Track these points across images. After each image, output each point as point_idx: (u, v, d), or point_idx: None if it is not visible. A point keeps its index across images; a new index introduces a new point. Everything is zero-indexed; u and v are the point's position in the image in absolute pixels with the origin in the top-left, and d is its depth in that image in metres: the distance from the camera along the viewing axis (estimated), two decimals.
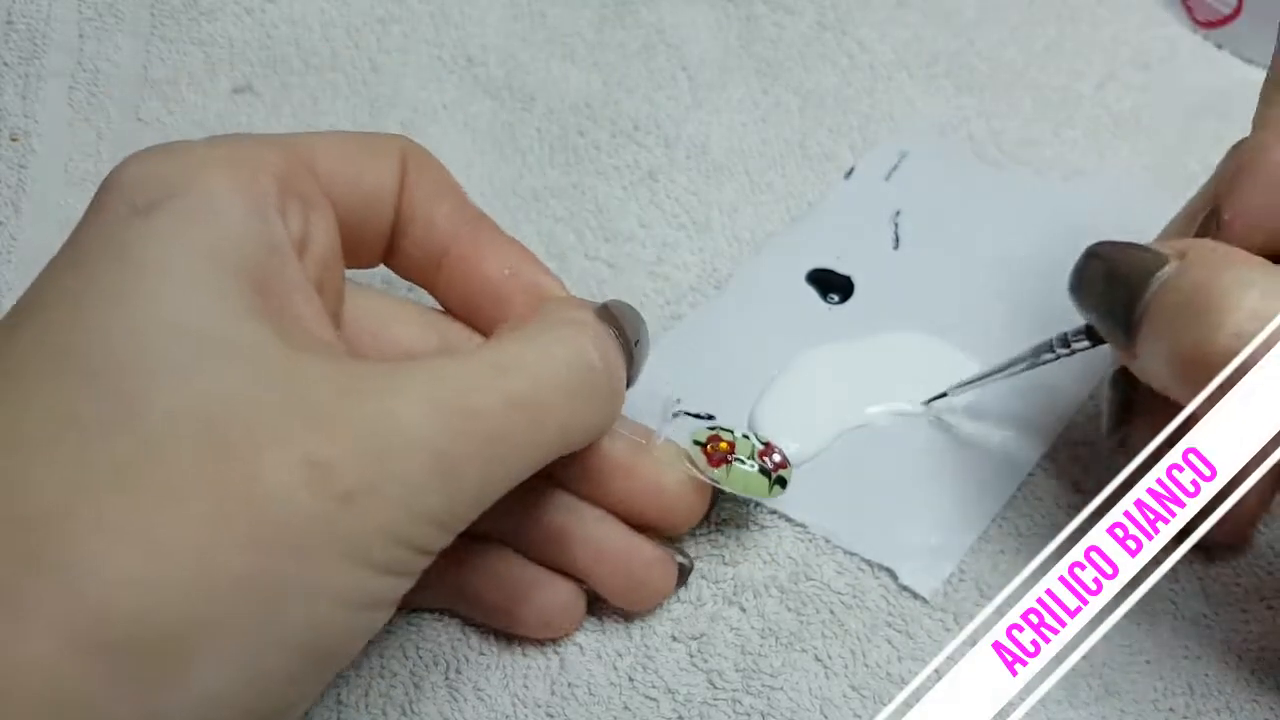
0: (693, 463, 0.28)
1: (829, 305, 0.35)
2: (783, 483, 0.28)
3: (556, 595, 0.28)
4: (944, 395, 0.31)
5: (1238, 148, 0.27)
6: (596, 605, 0.29)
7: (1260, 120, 0.26)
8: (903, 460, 0.32)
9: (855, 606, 0.29)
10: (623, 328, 0.26)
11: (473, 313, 0.27)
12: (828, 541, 0.30)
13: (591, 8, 0.43)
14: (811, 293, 0.35)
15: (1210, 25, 0.42)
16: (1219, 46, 0.42)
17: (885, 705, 0.27)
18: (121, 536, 0.18)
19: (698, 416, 0.32)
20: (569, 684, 0.28)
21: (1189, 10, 0.43)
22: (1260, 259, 0.23)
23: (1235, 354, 0.22)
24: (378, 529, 0.20)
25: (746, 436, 0.28)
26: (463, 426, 0.21)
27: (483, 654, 0.28)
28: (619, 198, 0.38)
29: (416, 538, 0.21)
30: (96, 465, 0.18)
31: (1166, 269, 0.24)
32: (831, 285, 0.36)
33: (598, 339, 0.24)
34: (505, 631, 0.28)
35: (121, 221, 0.20)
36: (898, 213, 0.37)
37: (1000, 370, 0.30)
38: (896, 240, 0.37)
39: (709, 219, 0.37)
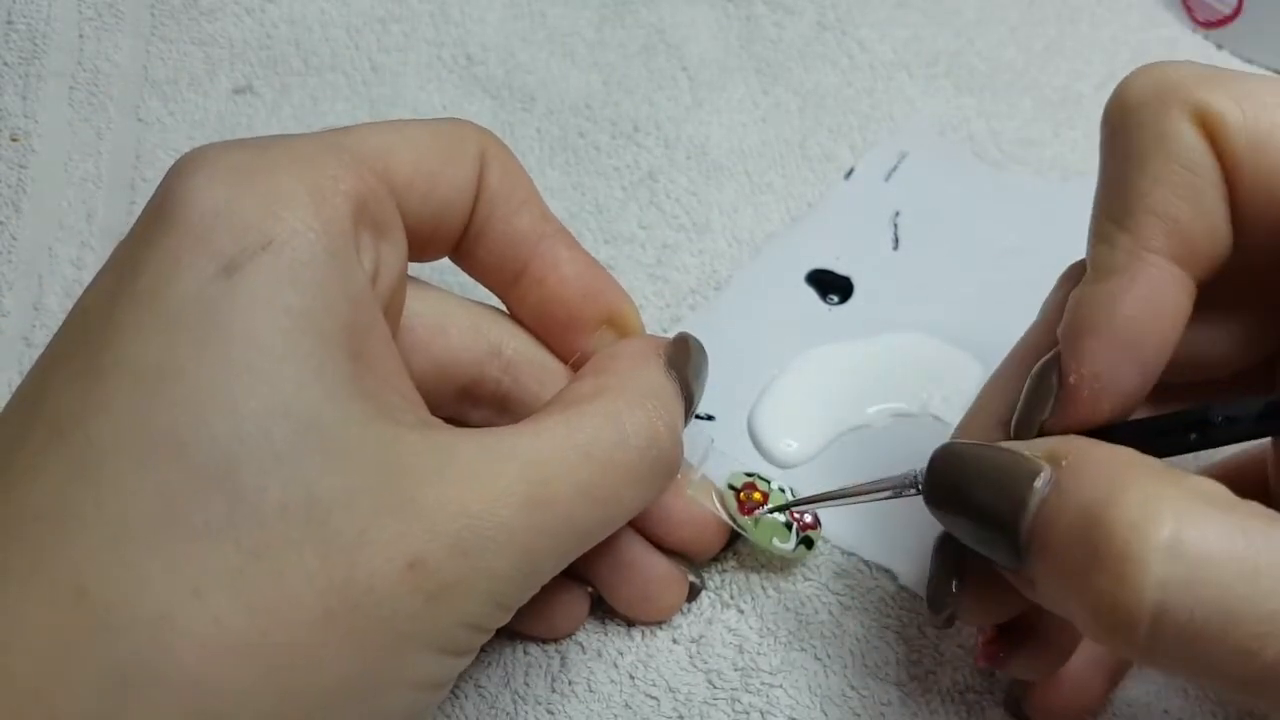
0: (723, 504, 0.28)
1: (829, 306, 0.35)
2: (809, 543, 0.28)
3: (563, 596, 0.28)
4: (792, 505, 0.28)
5: (1080, 299, 0.22)
6: (597, 606, 0.29)
7: (1101, 265, 0.21)
8: (902, 460, 0.32)
9: (854, 607, 0.29)
10: (688, 378, 0.25)
11: (543, 328, 0.27)
12: (826, 542, 0.30)
13: (591, 8, 0.43)
14: (811, 293, 0.35)
15: (1210, 25, 0.42)
16: (1219, 46, 0.42)
17: (885, 705, 0.28)
18: (239, 649, 0.18)
19: (697, 417, 0.32)
20: (569, 681, 0.28)
21: (1189, 10, 0.43)
22: (1147, 460, 0.19)
23: (1164, 605, 0.17)
24: (460, 620, 0.20)
25: (783, 490, 0.29)
26: (545, 522, 0.21)
27: (483, 651, 0.28)
28: (619, 198, 0.38)
29: (489, 622, 0.21)
30: (207, 568, 0.18)
31: (1041, 481, 0.20)
32: (831, 286, 0.36)
33: (669, 417, 0.24)
34: (508, 629, 0.28)
35: (208, 283, 0.19)
36: (897, 213, 0.37)
37: (858, 493, 0.26)
38: (896, 240, 0.37)
39: (709, 220, 0.37)
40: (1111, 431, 0.22)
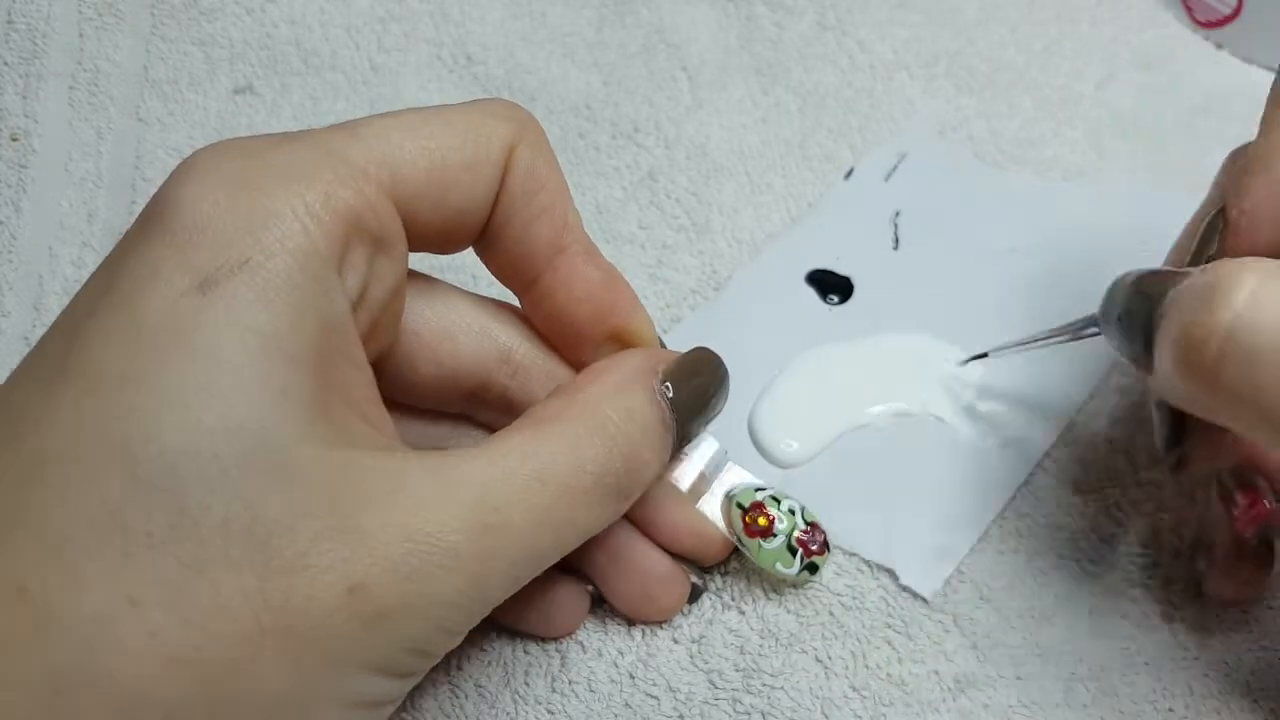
0: (730, 523, 0.28)
1: (829, 306, 0.35)
2: (812, 569, 0.28)
3: (563, 594, 0.28)
4: (984, 355, 0.30)
5: (1243, 150, 0.26)
6: (597, 605, 0.29)
7: (1266, 125, 0.25)
8: (903, 460, 0.32)
9: (855, 608, 0.29)
10: (684, 398, 0.25)
11: (553, 337, 0.27)
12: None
13: (591, 8, 0.43)
14: (811, 293, 0.35)
15: (1210, 25, 0.42)
16: (1219, 46, 0.42)
17: (886, 706, 0.28)
18: (172, 660, 0.18)
19: None
20: (569, 681, 0.28)
21: (1189, 10, 0.43)
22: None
23: (1233, 333, 0.20)
24: (403, 644, 0.20)
25: (793, 512, 0.28)
26: (496, 546, 0.21)
27: (484, 650, 0.28)
28: (619, 198, 0.38)
29: (433, 646, 0.21)
30: (145, 579, 0.18)
31: (1184, 281, 0.22)
32: (831, 286, 0.36)
33: (629, 446, 0.23)
34: (508, 628, 0.28)
35: (181, 297, 0.19)
36: (897, 213, 0.37)
37: (1042, 338, 0.29)
38: (896, 241, 0.37)
39: (709, 220, 0.37)
40: None
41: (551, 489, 0.22)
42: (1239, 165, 0.25)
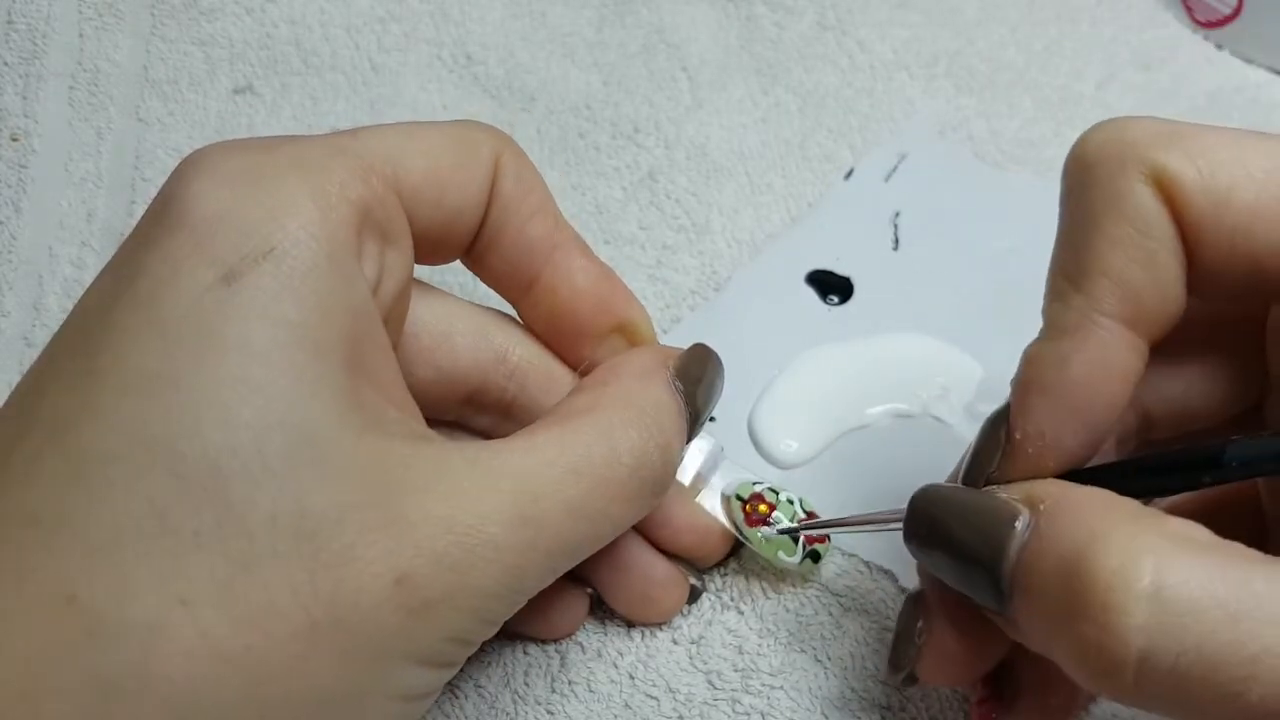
0: (730, 516, 0.28)
1: (829, 306, 0.35)
2: (815, 557, 0.28)
3: (563, 596, 0.28)
4: (795, 530, 0.28)
5: (1032, 356, 0.22)
6: (597, 606, 0.29)
7: (1054, 324, 0.21)
8: (903, 460, 0.32)
9: (854, 609, 0.29)
10: (695, 392, 0.25)
11: (554, 336, 0.27)
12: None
13: (591, 8, 0.43)
14: (811, 294, 0.35)
15: (1210, 25, 0.42)
16: (1219, 46, 0.42)
17: (885, 708, 0.28)
18: (224, 660, 0.18)
19: None
20: (569, 681, 0.28)
21: (1189, 10, 0.43)
22: (1125, 503, 0.20)
23: (1148, 652, 0.18)
24: (446, 634, 0.20)
25: (791, 501, 0.28)
26: (533, 538, 0.21)
27: (483, 650, 0.28)
28: (619, 199, 0.38)
29: (474, 636, 0.21)
30: (195, 579, 0.18)
31: (1020, 525, 0.20)
32: (831, 286, 0.36)
33: (662, 436, 0.23)
34: (508, 629, 0.28)
35: (207, 290, 0.19)
36: (897, 214, 0.37)
37: (854, 523, 0.27)
38: (896, 241, 0.37)
39: (709, 220, 0.37)
40: (1121, 466, 0.22)
41: (586, 481, 0.22)
42: (1025, 378, 0.22)
